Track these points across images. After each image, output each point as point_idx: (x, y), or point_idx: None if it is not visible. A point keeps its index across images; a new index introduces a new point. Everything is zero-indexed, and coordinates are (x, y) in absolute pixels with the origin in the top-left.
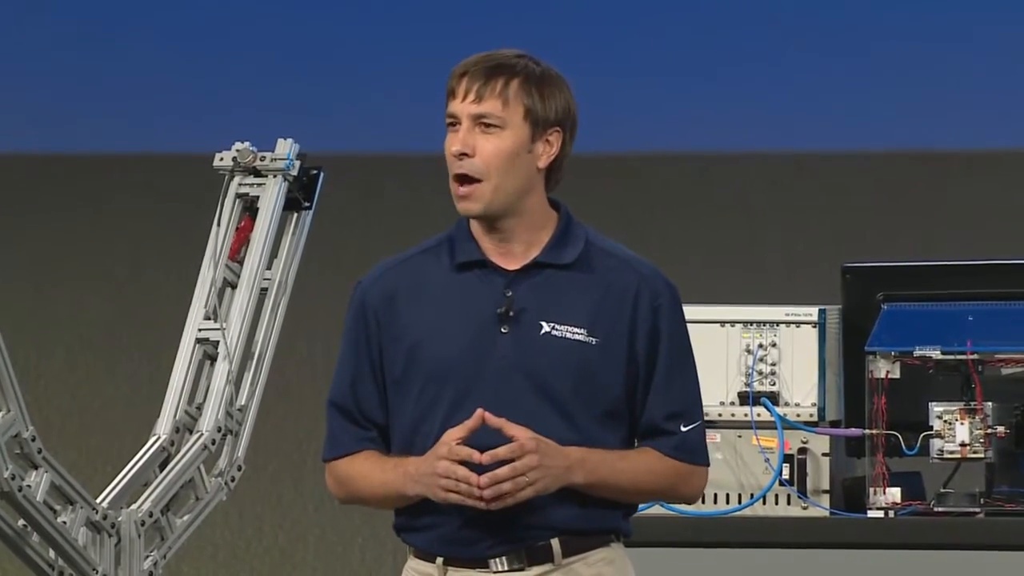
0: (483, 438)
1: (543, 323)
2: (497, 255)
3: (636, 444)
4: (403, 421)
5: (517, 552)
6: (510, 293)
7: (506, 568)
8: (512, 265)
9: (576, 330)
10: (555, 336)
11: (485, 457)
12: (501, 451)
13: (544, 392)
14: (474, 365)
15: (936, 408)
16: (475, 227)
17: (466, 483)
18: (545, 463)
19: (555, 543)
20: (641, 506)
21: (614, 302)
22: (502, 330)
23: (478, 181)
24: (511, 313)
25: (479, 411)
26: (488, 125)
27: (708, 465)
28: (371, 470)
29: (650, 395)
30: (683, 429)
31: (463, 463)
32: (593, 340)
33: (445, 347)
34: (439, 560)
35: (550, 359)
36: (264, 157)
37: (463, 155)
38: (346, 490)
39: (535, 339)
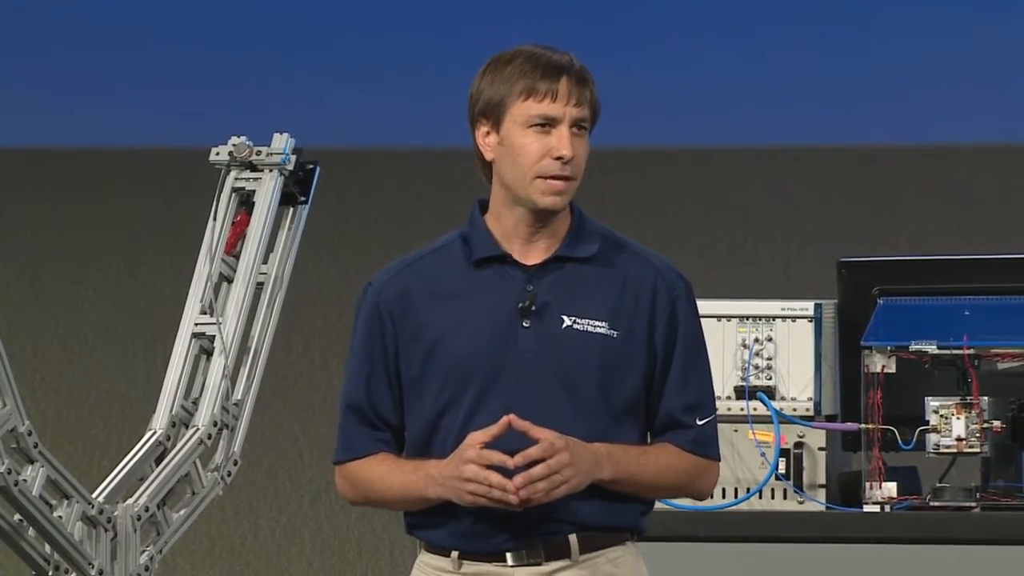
0: (506, 442)
1: (564, 317)
2: (517, 251)
3: (651, 439)
4: (420, 420)
5: (534, 547)
6: (531, 287)
7: (523, 562)
8: (531, 260)
9: (598, 323)
10: (577, 329)
11: (518, 459)
12: (533, 451)
13: (567, 386)
14: (496, 360)
15: (932, 403)
16: (503, 223)
17: (500, 489)
18: (576, 460)
19: (573, 539)
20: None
21: (633, 296)
22: (523, 324)
23: (573, 181)
24: (533, 307)
25: (505, 417)
26: (581, 128)
27: (719, 460)
28: (388, 472)
29: (667, 387)
30: (699, 423)
31: (494, 468)
32: (615, 333)
33: (466, 343)
34: (454, 554)
35: (574, 352)
36: (260, 151)
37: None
38: (360, 493)
39: (557, 333)
